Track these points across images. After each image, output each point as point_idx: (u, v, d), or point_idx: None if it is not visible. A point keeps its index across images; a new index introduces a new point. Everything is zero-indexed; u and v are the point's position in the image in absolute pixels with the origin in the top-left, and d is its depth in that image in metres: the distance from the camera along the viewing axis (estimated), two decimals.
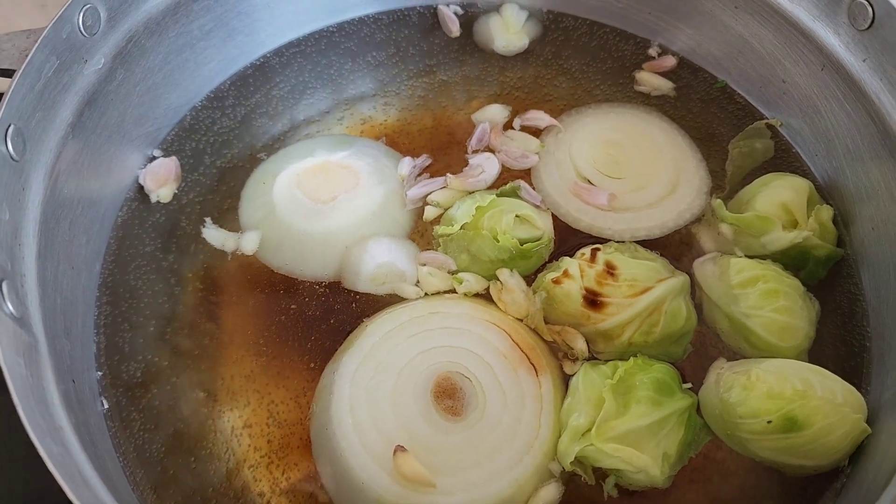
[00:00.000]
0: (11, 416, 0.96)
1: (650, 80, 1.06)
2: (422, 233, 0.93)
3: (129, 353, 0.85)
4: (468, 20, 1.11)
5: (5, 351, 0.60)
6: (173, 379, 0.84)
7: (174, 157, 0.97)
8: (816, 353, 0.84)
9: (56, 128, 0.81)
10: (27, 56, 0.75)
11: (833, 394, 0.75)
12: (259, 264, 0.92)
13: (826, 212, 0.89)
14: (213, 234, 0.93)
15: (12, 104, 0.73)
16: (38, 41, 0.75)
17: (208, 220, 0.94)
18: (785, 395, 0.74)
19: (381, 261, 0.88)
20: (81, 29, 0.82)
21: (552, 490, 0.76)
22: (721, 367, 0.81)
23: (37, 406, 0.62)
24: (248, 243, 0.92)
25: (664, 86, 1.05)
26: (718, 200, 0.91)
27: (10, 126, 0.72)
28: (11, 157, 0.72)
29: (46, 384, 0.67)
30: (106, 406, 0.82)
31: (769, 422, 0.74)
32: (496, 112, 1.03)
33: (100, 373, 0.84)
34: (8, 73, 0.76)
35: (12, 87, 0.72)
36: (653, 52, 1.08)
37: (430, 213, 0.93)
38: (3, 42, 0.77)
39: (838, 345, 0.86)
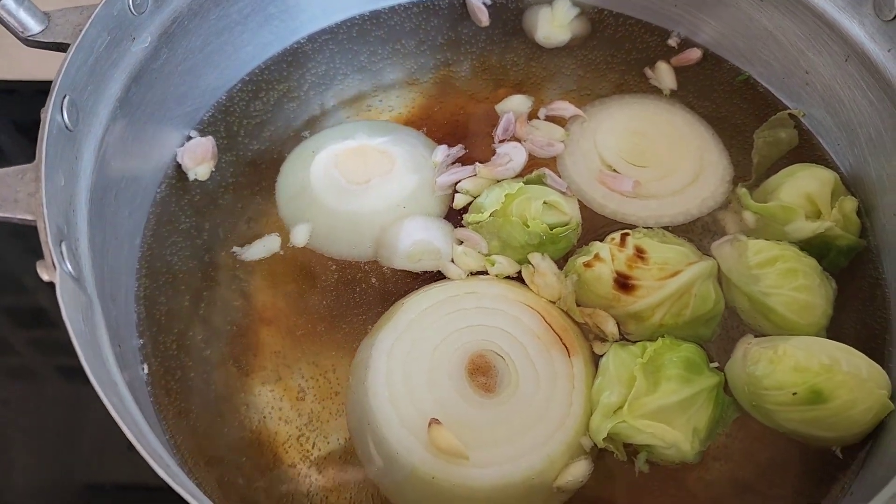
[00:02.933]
0: (39, 406, 0.99)
1: (660, 74, 1.07)
2: (450, 222, 0.94)
3: (166, 325, 0.87)
4: (496, 10, 1.13)
5: (67, 305, 0.61)
6: (206, 352, 0.86)
7: (210, 137, 0.99)
8: (837, 336, 0.84)
9: (106, 102, 0.83)
10: (81, 31, 0.76)
11: (858, 369, 0.77)
12: None
13: (850, 203, 0.90)
14: (255, 251, 0.92)
15: (68, 75, 0.74)
16: (92, 17, 0.77)
17: (237, 248, 0.93)
18: (811, 369, 0.75)
19: (418, 238, 0.90)
20: (131, 7, 0.84)
21: (582, 465, 0.77)
22: (748, 342, 0.82)
23: (95, 360, 0.64)
24: (299, 235, 0.93)
25: (666, 83, 1.06)
26: (744, 189, 0.93)
27: (65, 97, 0.74)
28: (66, 127, 0.74)
29: (101, 342, 0.69)
30: (146, 372, 0.84)
31: (794, 393, 0.75)
32: (519, 103, 1.04)
33: (141, 341, 0.86)
34: (62, 48, 0.77)
35: (68, 59, 0.74)
36: (672, 41, 1.10)
37: (459, 200, 0.94)
38: (56, 17, 0.79)
39: (859, 328, 0.88)
